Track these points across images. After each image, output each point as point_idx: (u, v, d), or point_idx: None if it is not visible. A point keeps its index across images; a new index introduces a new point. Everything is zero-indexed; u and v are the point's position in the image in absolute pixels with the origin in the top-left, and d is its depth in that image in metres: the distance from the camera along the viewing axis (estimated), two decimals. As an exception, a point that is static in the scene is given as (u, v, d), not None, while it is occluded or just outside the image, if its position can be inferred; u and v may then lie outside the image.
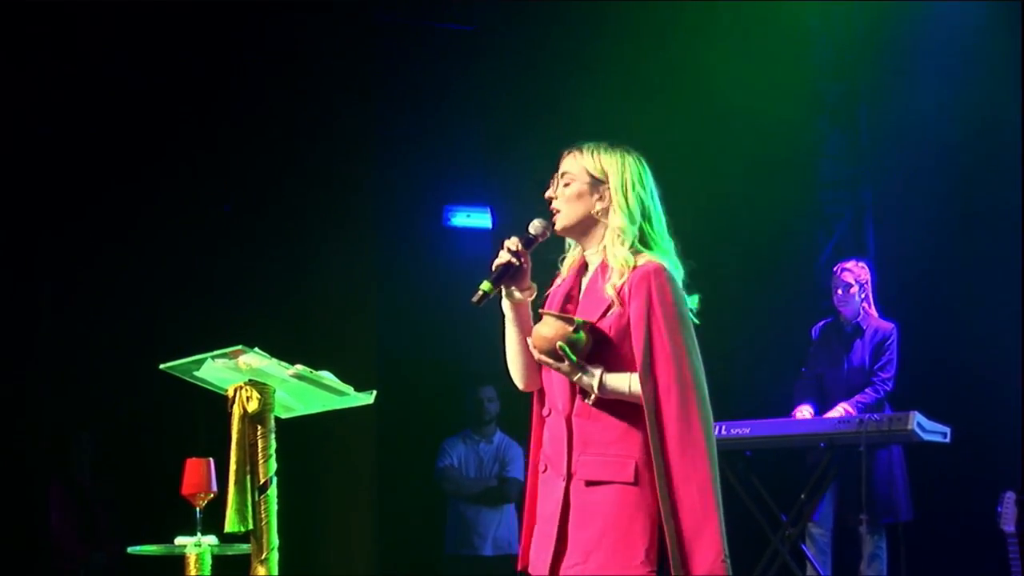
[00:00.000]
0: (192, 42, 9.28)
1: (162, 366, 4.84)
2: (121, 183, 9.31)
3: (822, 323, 8.85)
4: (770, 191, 9.89)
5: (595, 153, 4.19)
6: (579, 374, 4.02)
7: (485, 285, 4.08)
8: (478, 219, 10.41)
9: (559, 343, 4.00)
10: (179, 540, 5.22)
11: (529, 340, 4.10)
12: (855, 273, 8.65)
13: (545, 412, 4.19)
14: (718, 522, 3.95)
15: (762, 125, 9.84)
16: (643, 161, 4.25)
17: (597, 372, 4.01)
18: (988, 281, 9.46)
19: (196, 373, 4.82)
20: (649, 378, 3.97)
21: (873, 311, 8.70)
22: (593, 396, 4.03)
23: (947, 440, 7.98)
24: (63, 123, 9.19)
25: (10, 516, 9.15)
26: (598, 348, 4.05)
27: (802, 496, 8.17)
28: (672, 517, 3.92)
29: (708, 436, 4.00)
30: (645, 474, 3.97)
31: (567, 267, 4.25)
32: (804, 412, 8.47)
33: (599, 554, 3.99)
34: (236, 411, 4.71)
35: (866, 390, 8.47)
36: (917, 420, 7.76)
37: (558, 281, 4.26)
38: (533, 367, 4.19)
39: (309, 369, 4.75)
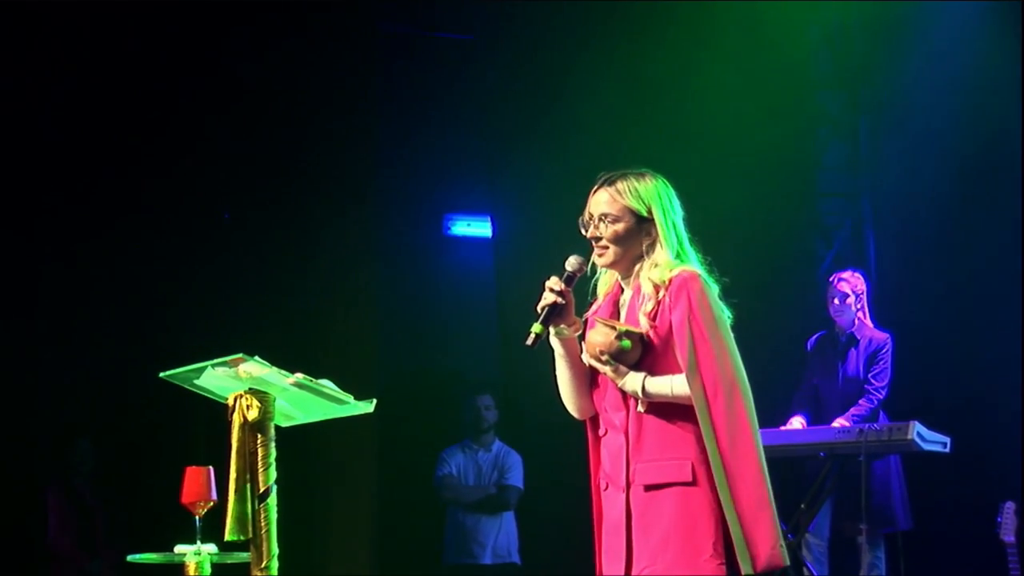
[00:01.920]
0: (193, 47, 9.29)
1: (162, 374, 4.84)
2: (121, 190, 9.31)
3: (817, 335, 8.85)
4: (770, 202, 9.89)
5: (633, 189, 4.37)
6: (623, 380, 4.20)
7: (536, 327, 4.25)
8: (478, 228, 10.41)
9: (601, 350, 4.21)
10: (179, 548, 5.22)
11: (582, 346, 4.29)
12: (851, 283, 8.66)
13: (602, 432, 4.35)
14: (773, 511, 4.11)
15: (762, 136, 9.85)
16: (668, 183, 4.47)
17: (640, 377, 4.18)
18: (988, 291, 9.46)
19: (196, 381, 4.81)
20: (696, 378, 4.14)
21: (868, 321, 8.70)
22: (642, 403, 4.19)
23: (947, 450, 7.99)
24: (63, 130, 9.19)
25: (9, 523, 9.14)
26: (644, 359, 4.22)
27: (801, 506, 8.17)
28: (731, 509, 4.08)
29: (755, 430, 4.18)
30: (702, 472, 4.13)
31: (602, 292, 4.44)
32: (795, 424, 8.48)
33: (668, 554, 4.13)
34: (236, 419, 4.70)
35: (860, 401, 8.47)
36: (917, 430, 7.76)
37: (593, 307, 4.43)
38: (586, 396, 4.38)
39: (309, 378, 4.75)
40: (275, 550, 4.72)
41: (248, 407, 4.69)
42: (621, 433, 4.25)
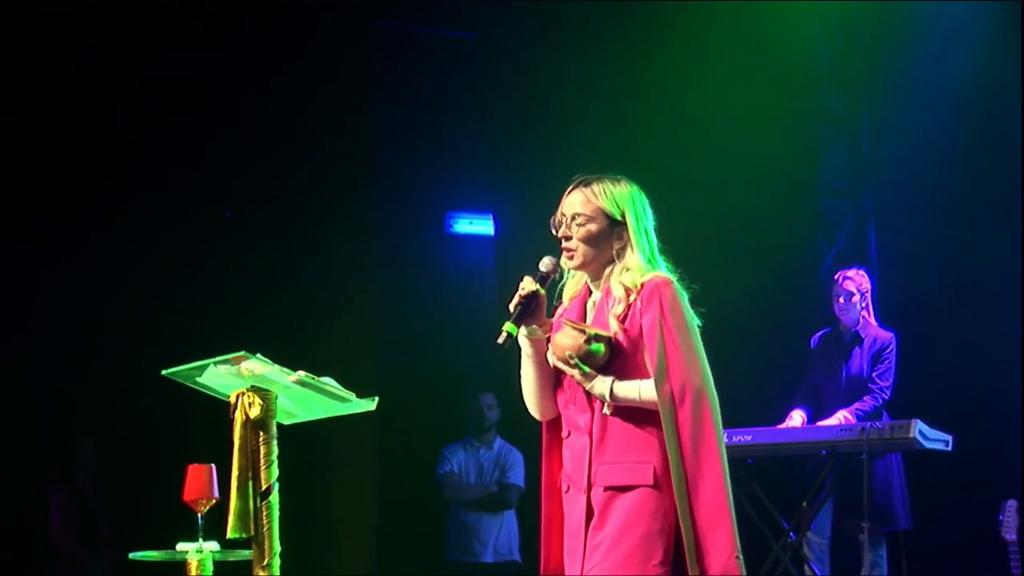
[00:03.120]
0: (195, 46, 9.29)
1: (164, 372, 4.84)
2: (122, 187, 9.31)
3: (821, 332, 8.84)
4: (772, 199, 9.88)
5: (607, 192, 4.35)
6: (591, 383, 4.19)
7: (509, 327, 4.24)
8: (480, 226, 10.41)
9: (569, 353, 4.19)
10: (181, 546, 5.22)
11: (549, 347, 4.27)
12: (856, 282, 8.64)
13: (564, 434, 4.34)
14: (731, 521, 4.08)
15: (764, 133, 9.84)
16: (642, 191, 4.44)
17: (608, 381, 4.18)
18: (989, 289, 9.46)
19: (198, 379, 4.82)
20: (664, 383, 4.12)
21: (872, 320, 8.69)
22: (608, 405, 4.19)
23: (949, 448, 7.98)
24: (63, 127, 9.19)
25: (11, 521, 9.14)
26: (612, 363, 4.21)
27: (804, 504, 8.17)
28: (687, 516, 4.06)
29: (720, 440, 4.15)
30: (664, 478, 4.12)
31: (568, 296, 4.43)
32: (795, 418, 8.46)
33: (617, 553, 4.12)
34: (238, 417, 4.70)
35: (865, 398, 8.46)
36: (919, 428, 7.76)
37: (560, 310, 4.42)
38: (550, 398, 4.37)
39: (311, 375, 4.75)
40: (277, 548, 4.72)
41: (250, 405, 4.70)
42: (585, 435, 4.24)
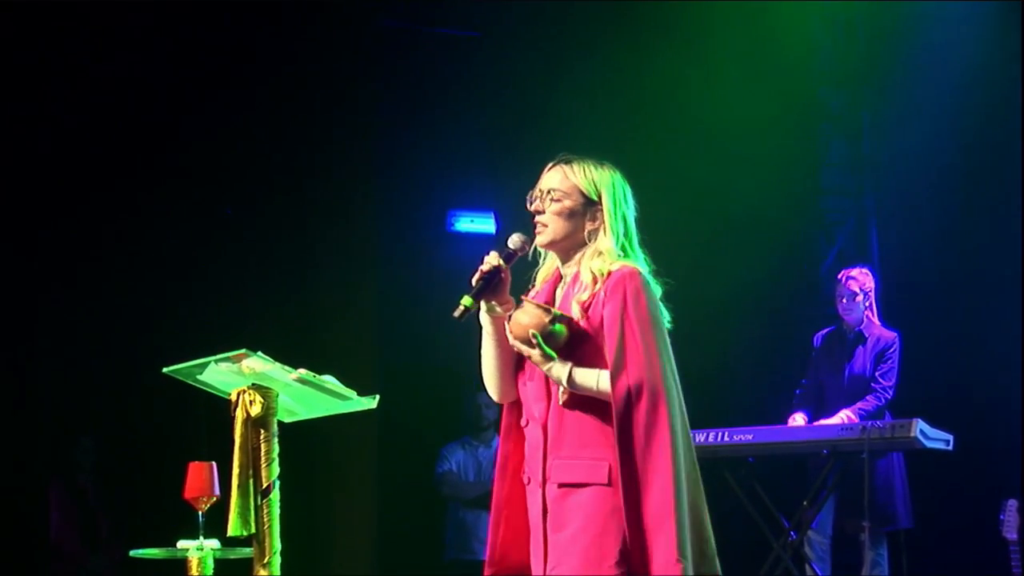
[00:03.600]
0: (195, 43, 9.28)
1: (165, 370, 4.84)
2: (122, 185, 9.31)
3: (824, 331, 8.83)
4: (773, 199, 9.88)
5: (587, 171, 4.23)
6: (550, 365, 4.06)
7: (466, 300, 4.11)
8: (482, 224, 10.40)
9: (533, 331, 4.05)
10: (181, 544, 5.22)
11: (506, 326, 4.14)
12: (860, 281, 8.63)
13: (523, 423, 4.22)
14: (676, 523, 3.94)
15: (765, 132, 9.84)
16: (626, 180, 4.30)
17: (567, 366, 4.05)
18: (990, 288, 9.46)
19: (199, 377, 4.82)
20: (620, 377, 3.99)
21: (876, 319, 8.69)
22: (564, 392, 4.07)
23: (950, 448, 7.97)
24: (61, 124, 9.19)
25: (11, 519, 9.14)
26: (573, 350, 4.09)
27: (804, 503, 8.16)
28: (632, 515, 3.95)
29: (676, 438, 4.01)
30: (619, 475, 3.99)
31: (541, 279, 4.31)
32: (797, 420, 8.47)
33: (573, 557, 4.02)
34: (239, 415, 4.71)
35: (867, 397, 8.45)
36: (920, 427, 7.75)
37: (532, 293, 4.30)
38: (509, 380, 4.25)
39: (312, 373, 4.75)
40: (277, 546, 4.72)
41: (251, 403, 4.70)
42: (539, 426, 4.13)
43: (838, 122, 10.70)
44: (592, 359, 4.07)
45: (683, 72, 9.84)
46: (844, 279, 8.66)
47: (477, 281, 4.15)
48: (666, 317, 4.16)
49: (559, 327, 4.07)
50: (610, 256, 4.14)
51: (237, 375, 4.73)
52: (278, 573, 4.72)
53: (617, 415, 3.97)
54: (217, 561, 5.22)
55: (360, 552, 9.64)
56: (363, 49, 9.73)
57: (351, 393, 4.83)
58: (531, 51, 10.01)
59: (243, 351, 4.69)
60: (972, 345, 9.44)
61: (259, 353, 4.69)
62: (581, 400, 4.07)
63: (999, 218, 9.52)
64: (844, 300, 8.63)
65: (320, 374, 4.80)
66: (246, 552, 4.91)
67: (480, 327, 4.25)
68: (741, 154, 9.83)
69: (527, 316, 4.09)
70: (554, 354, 4.06)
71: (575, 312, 4.10)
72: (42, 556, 9.24)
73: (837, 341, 8.71)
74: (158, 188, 9.31)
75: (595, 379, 4.04)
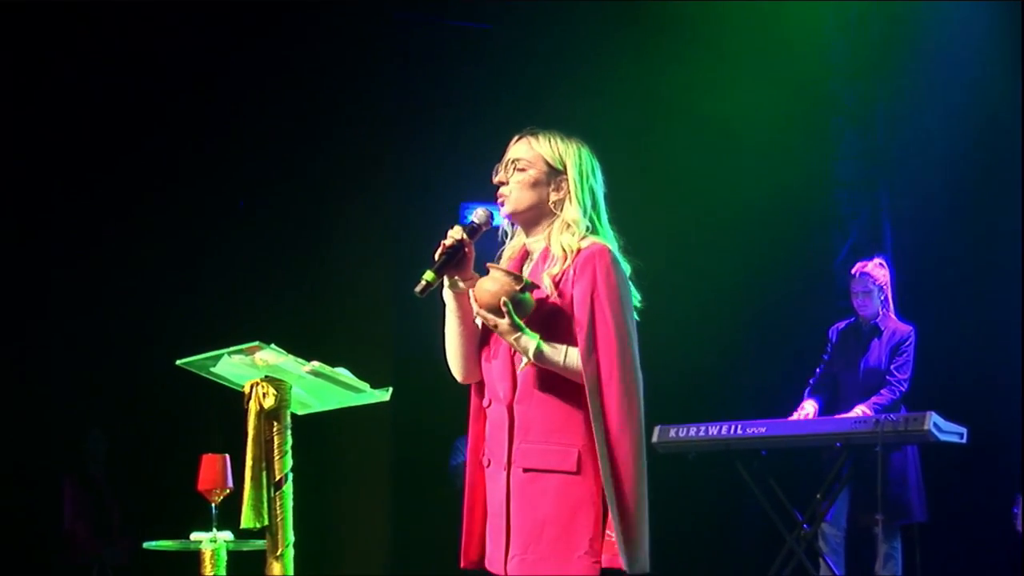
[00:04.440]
0: (208, 36, 9.29)
1: (179, 362, 4.83)
2: (136, 177, 9.32)
3: (841, 325, 8.81)
4: (786, 192, 9.87)
5: (552, 142, 4.13)
6: (518, 335, 3.92)
7: (428, 275, 4.01)
8: (494, 216, 10.38)
9: (504, 299, 3.92)
10: (195, 536, 5.23)
11: (471, 292, 4.01)
12: (875, 275, 8.62)
13: (486, 403, 4.11)
14: (641, 512, 3.89)
15: (777, 126, 9.83)
16: (594, 155, 4.17)
17: (536, 337, 3.93)
18: (1004, 280, 9.44)
19: (213, 369, 4.81)
20: (592, 357, 3.89)
21: (891, 312, 8.67)
22: (528, 365, 3.95)
23: (964, 441, 7.95)
24: (76, 117, 9.20)
25: (25, 511, 9.17)
26: (542, 324, 3.97)
27: (818, 496, 8.15)
28: (615, 505, 3.85)
29: (642, 422, 3.93)
30: (588, 463, 3.91)
31: (507, 257, 4.20)
32: (807, 407, 8.45)
33: (541, 545, 3.92)
34: (252, 407, 4.70)
35: (882, 391, 8.44)
36: (934, 420, 7.72)
37: None
38: (473, 359, 4.14)
39: (325, 366, 4.75)
40: (290, 538, 4.72)
41: (264, 395, 4.69)
42: (504, 407, 4.01)
43: (851, 115, 10.68)
44: (561, 335, 3.95)
45: (696, 65, 9.83)
46: (859, 273, 8.64)
47: (440, 255, 4.05)
48: (636, 297, 4.05)
49: (527, 296, 3.94)
50: (578, 228, 4.03)
51: (250, 367, 4.73)
52: (291, 565, 4.71)
53: (591, 395, 3.87)
54: (230, 553, 5.22)
55: (374, 544, 9.64)
56: (377, 41, 9.73)
57: (364, 385, 4.82)
58: (546, 45, 10.00)
59: (256, 343, 4.68)
60: (986, 338, 9.43)
61: (272, 345, 4.69)
62: (549, 383, 3.96)
63: (1013, 210, 9.49)
64: (859, 295, 8.61)
65: (334, 366, 4.80)
66: (259, 544, 4.91)
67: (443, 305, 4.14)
68: (754, 147, 9.82)
69: (495, 283, 3.94)
70: (522, 324, 3.92)
71: (547, 286, 3.99)
72: (55, 548, 9.27)
73: (853, 334, 8.69)
74: (172, 178, 9.33)
75: (563, 355, 3.92)
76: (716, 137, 9.78)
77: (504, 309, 3.91)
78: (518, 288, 3.93)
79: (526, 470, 3.96)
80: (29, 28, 9.03)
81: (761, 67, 9.91)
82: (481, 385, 4.15)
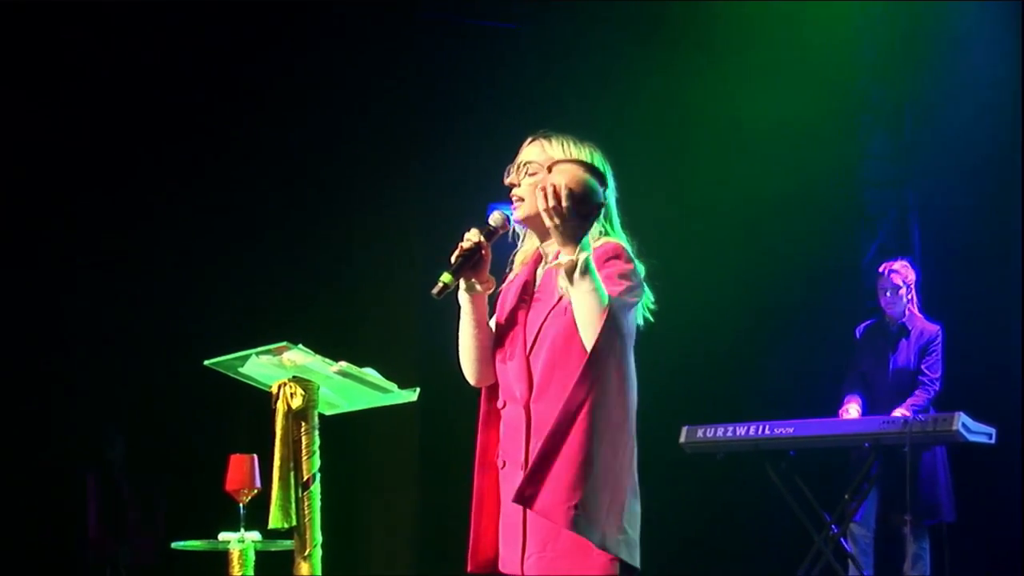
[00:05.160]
0: (233, 37, 9.31)
1: (207, 362, 4.84)
2: (161, 177, 9.34)
3: (867, 323, 8.81)
4: (814, 191, 9.85)
5: (565, 145, 4.09)
6: (574, 237, 3.78)
7: (445, 277, 3.99)
8: (511, 219, 10.36)
9: (593, 183, 3.78)
10: (223, 536, 5.25)
11: (538, 188, 3.85)
12: (902, 274, 8.62)
13: (500, 404, 4.08)
14: (587, 474, 3.79)
15: (805, 125, 9.81)
16: (607, 161, 4.12)
17: (590, 249, 3.81)
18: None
19: (240, 369, 4.82)
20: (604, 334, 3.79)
21: (918, 311, 8.66)
22: (565, 284, 3.83)
23: (992, 441, 7.94)
24: (100, 116, 9.21)
25: (47, 513, 9.19)
26: (555, 327, 3.92)
27: (846, 496, 8.14)
28: (544, 452, 3.80)
29: (608, 409, 3.85)
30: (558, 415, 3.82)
31: (519, 261, 4.18)
32: (851, 410, 8.45)
33: (558, 543, 3.87)
34: (280, 407, 4.71)
35: (916, 392, 8.44)
36: (962, 421, 7.71)
37: (511, 276, 4.19)
38: (487, 361, 4.12)
39: (353, 366, 4.75)
40: (318, 538, 4.73)
41: (292, 395, 4.70)
42: (521, 407, 3.98)
43: (879, 113, 10.65)
44: (573, 332, 3.87)
45: (723, 65, 9.81)
46: (886, 272, 8.65)
47: (457, 258, 4.02)
48: (649, 298, 4.00)
49: (594, 182, 3.80)
50: (591, 236, 3.93)
51: (278, 368, 4.74)
52: (319, 566, 4.72)
53: (594, 350, 3.77)
54: (258, 553, 5.24)
55: (402, 544, 9.64)
56: (403, 42, 9.73)
57: (392, 386, 4.82)
58: (571, 45, 9.99)
59: (284, 344, 4.69)
60: (1015, 338, 9.39)
61: (300, 346, 4.69)
62: (565, 381, 3.86)
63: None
64: (887, 293, 8.61)
65: (361, 367, 4.80)
66: (287, 545, 4.92)
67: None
68: (782, 147, 9.79)
69: (562, 174, 3.80)
70: (584, 223, 3.78)
71: (562, 287, 3.90)
72: (78, 549, 9.29)
73: (880, 333, 8.69)
74: (199, 176, 9.34)
75: (599, 284, 3.78)
76: (744, 137, 9.76)
77: (588, 189, 3.76)
78: (584, 170, 3.81)
79: None
80: (53, 28, 9.05)
81: (788, 67, 9.88)
82: (492, 388, 4.13)
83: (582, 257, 3.76)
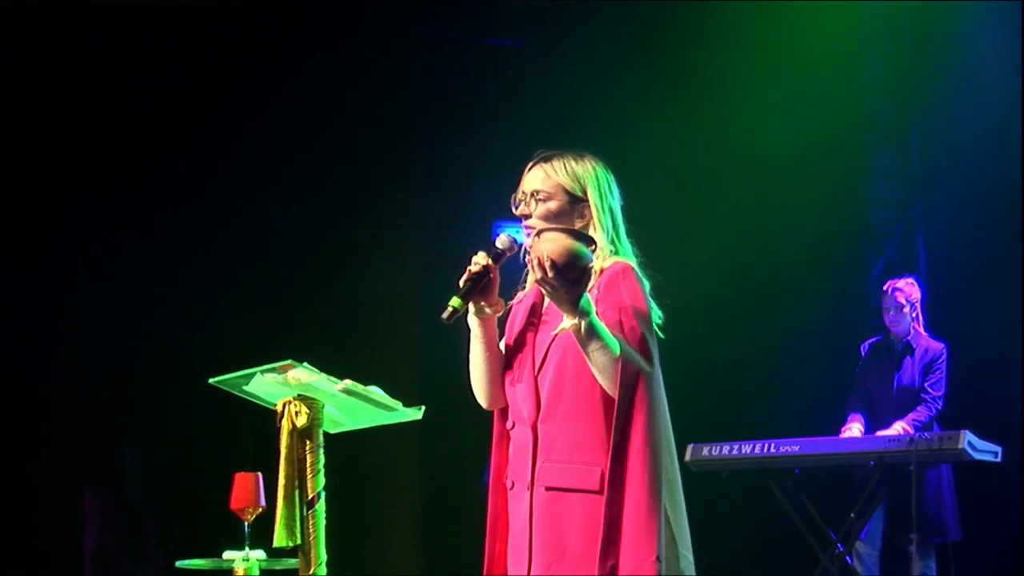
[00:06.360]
0: (237, 55, 9.32)
1: (212, 380, 4.84)
2: (163, 195, 9.34)
3: (871, 340, 8.82)
4: (820, 209, 9.86)
5: (568, 167, 4.11)
6: (573, 296, 3.80)
7: (455, 301, 3.99)
8: (518, 241, 10.36)
9: (580, 248, 3.79)
10: (227, 554, 5.24)
11: (530, 254, 3.88)
12: (906, 292, 8.62)
13: (509, 425, 4.10)
14: (658, 522, 3.82)
15: (812, 143, 9.82)
16: (608, 169, 4.15)
17: (592, 308, 3.83)
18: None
19: (245, 387, 4.82)
20: (628, 365, 3.82)
21: (922, 329, 8.66)
22: (577, 331, 3.82)
23: (998, 459, 7.93)
24: (103, 133, 9.22)
25: (55, 530, 9.18)
26: (570, 348, 3.92)
27: (851, 515, 8.13)
28: (614, 512, 3.80)
29: (663, 441, 3.89)
30: (608, 473, 3.85)
31: (531, 281, 4.15)
32: (854, 429, 8.44)
33: (563, 565, 3.89)
34: (285, 426, 4.71)
35: (919, 408, 8.43)
36: (968, 439, 7.71)
37: (520, 295, 4.20)
38: (498, 384, 4.13)
39: (358, 384, 4.75)
40: (323, 556, 4.72)
41: (297, 413, 4.70)
42: (529, 427, 3.98)
43: (886, 132, 10.66)
44: (583, 357, 3.90)
45: (730, 82, 9.82)
46: (890, 290, 8.65)
47: (465, 282, 4.03)
48: (657, 313, 4.02)
49: (582, 247, 3.81)
50: (602, 252, 4.00)
51: (283, 386, 4.74)
52: (323, 584, 4.72)
53: (620, 400, 3.80)
54: (263, 572, 5.24)
55: (405, 564, 9.63)
56: (409, 61, 9.74)
57: (397, 404, 4.82)
58: (579, 64, 10.00)
59: (289, 362, 4.69)
60: (1021, 355, 9.38)
61: (305, 364, 4.70)
62: (572, 402, 3.92)
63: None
64: (891, 312, 8.61)
65: (366, 385, 4.80)
66: (292, 563, 4.92)
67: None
68: (789, 165, 9.80)
69: (548, 242, 3.82)
70: (579, 286, 3.79)
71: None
72: (85, 567, 9.28)
73: (885, 351, 8.69)
74: (199, 198, 9.34)
75: (607, 336, 3.81)
76: (750, 155, 9.76)
77: (575, 257, 3.79)
78: (568, 236, 3.83)
79: (548, 489, 3.93)
80: (59, 36, 9.06)
81: (795, 87, 9.89)
82: (505, 410, 4.14)
83: (584, 322, 3.80)
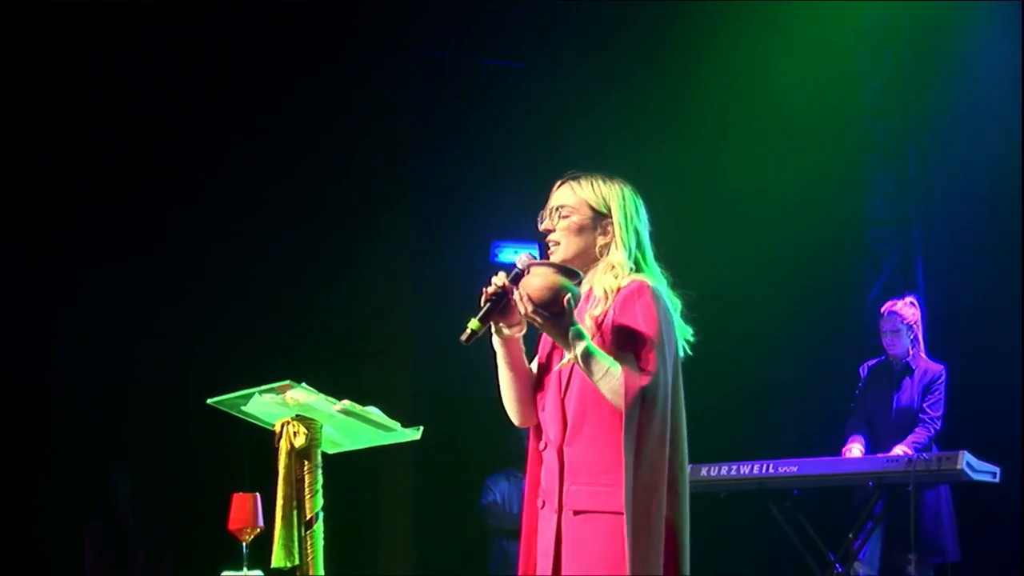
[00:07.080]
0: (233, 74, 9.33)
1: (210, 401, 4.84)
2: (158, 216, 9.35)
3: (871, 362, 8.80)
4: (819, 229, 9.86)
5: (595, 185, 4.16)
6: (568, 328, 3.89)
7: (473, 323, 4.01)
8: (536, 260, 10.36)
9: (561, 282, 3.89)
10: (225, 575, 5.22)
11: (517, 292, 3.95)
12: (903, 315, 8.60)
13: (541, 447, 4.13)
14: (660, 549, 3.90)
15: (811, 162, 9.82)
16: (637, 193, 4.20)
17: (587, 337, 3.91)
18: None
19: (243, 408, 4.81)
20: (637, 381, 3.88)
21: (922, 351, 8.65)
22: (576, 361, 3.91)
23: (996, 480, 7.92)
24: (99, 151, 9.23)
25: (49, 551, 9.17)
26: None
27: (850, 535, 8.12)
28: (643, 534, 3.86)
29: (681, 453, 3.97)
30: (627, 493, 3.88)
31: None
32: (855, 450, 8.43)
33: None
34: (283, 446, 4.70)
35: (917, 429, 8.42)
36: (966, 460, 7.70)
37: None
38: (529, 402, 4.15)
39: (356, 404, 4.74)
40: (321, 577, 4.71)
41: (295, 434, 4.69)
42: (555, 450, 4.03)
43: (884, 152, 10.67)
44: None
45: (728, 103, 9.83)
46: (888, 312, 8.63)
47: (484, 303, 4.04)
48: (687, 330, 4.09)
49: (571, 285, 3.91)
50: (622, 270, 4.05)
51: (281, 406, 4.73)
52: (321, 604, 4.70)
53: (627, 419, 3.86)
54: (261, 592, 5.22)
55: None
56: (409, 80, 9.76)
57: (395, 424, 4.81)
58: (577, 83, 10.01)
59: (287, 382, 4.68)
60: (1019, 376, 9.38)
61: (303, 384, 4.69)
62: (597, 425, 3.96)
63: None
64: (888, 335, 8.59)
65: (364, 405, 4.79)
66: (289, 584, 4.90)
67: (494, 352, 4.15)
68: (787, 184, 9.80)
69: (542, 278, 3.91)
70: (573, 317, 3.90)
71: (589, 327, 3.98)
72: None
73: (884, 372, 8.68)
74: (197, 217, 9.35)
75: (607, 364, 3.89)
76: (748, 175, 9.76)
77: (560, 294, 3.88)
78: (571, 281, 3.91)
79: (576, 512, 3.98)
80: (66, 48, 9.07)
81: (794, 104, 9.90)
82: (539, 428, 4.16)
83: (579, 350, 3.88)
